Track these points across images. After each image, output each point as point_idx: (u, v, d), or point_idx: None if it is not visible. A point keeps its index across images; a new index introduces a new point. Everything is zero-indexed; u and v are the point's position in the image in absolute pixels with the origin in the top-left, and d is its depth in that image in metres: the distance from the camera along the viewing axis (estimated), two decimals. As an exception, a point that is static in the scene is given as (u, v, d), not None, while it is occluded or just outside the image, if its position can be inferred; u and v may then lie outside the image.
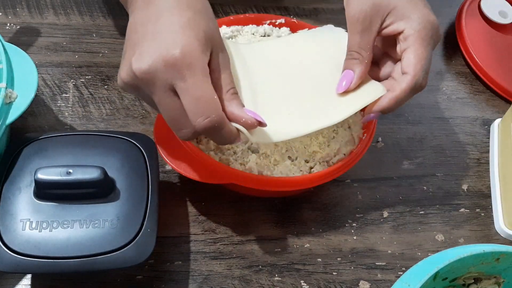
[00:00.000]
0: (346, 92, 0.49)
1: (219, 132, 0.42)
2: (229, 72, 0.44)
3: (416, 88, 0.47)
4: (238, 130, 0.43)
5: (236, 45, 0.51)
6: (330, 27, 0.56)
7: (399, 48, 0.48)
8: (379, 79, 0.51)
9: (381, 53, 0.52)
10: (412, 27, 0.47)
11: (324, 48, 0.53)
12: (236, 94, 0.44)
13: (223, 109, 0.42)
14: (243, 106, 0.44)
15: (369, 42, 0.48)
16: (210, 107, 0.40)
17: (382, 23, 0.48)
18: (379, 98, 0.48)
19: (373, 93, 0.48)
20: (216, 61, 0.43)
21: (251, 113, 0.43)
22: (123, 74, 0.42)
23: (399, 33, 0.48)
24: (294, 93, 0.50)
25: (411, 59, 0.47)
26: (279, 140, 0.47)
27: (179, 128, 0.42)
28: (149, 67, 0.40)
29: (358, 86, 0.49)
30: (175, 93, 0.41)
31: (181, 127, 0.42)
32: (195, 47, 0.40)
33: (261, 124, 0.43)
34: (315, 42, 0.54)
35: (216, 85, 0.42)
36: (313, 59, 0.53)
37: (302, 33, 0.57)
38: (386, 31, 0.49)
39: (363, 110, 0.55)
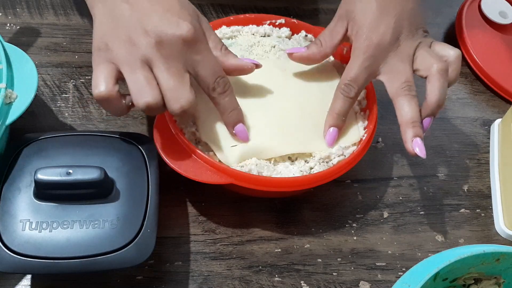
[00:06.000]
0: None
1: (228, 84, 0.47)
2: (214, 32, 0.48)
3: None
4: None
5: None
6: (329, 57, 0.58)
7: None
8: None
9: None
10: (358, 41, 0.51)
11: (319, 77, 0.55)
12: (227, 49, 0.49)
13: (222, 64, 0.47)
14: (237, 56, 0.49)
15: (332, 42, 0.53)
16: (220, 68, 0.46)
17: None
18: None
19: (350, 139, 0.53)
20: (202, 26, 0.46)
21: (246, 59, 0.49)
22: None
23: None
24: (280, 116, 0.51)
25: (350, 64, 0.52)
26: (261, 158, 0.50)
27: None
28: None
29: (344, 128, 0.53)
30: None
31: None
32: (197, 23, 0.45)
33: (257, 66, 0.49)
34: (311, 69, 0.55)
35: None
36: (307, 86, 0.54)
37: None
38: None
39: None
